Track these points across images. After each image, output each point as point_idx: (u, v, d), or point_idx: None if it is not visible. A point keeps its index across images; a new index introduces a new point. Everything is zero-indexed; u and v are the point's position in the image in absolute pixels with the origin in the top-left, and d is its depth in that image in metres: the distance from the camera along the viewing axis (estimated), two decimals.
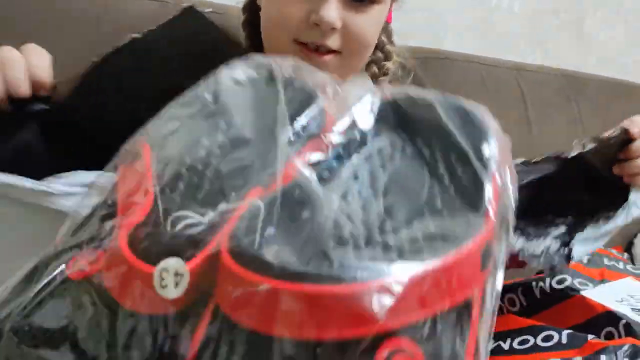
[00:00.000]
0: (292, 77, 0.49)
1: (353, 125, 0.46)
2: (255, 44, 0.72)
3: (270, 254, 0.31)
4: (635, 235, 1.02)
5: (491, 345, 0.57)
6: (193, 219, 0.34)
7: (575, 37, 1.36)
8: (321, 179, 0.42)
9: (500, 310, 0.72)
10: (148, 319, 0.33)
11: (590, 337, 0.59)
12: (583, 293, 0.67)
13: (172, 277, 0.31)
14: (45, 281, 0.36)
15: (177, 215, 0.34)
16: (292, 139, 0.44)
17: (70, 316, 0.34)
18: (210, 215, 0.35)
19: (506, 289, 0.73)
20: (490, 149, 0.43)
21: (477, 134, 0.45)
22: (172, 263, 0.32)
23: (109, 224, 0.38)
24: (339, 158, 0.44)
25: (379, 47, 0.72)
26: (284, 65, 0.49)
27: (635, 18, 1.41)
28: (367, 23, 0.64)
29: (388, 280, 0.31)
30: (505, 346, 0.63)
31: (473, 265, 0.36)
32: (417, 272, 0.32)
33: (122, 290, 0.33)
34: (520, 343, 0.63)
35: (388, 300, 0.31)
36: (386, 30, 0.73)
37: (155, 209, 0.36)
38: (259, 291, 0.30)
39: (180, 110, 0.48)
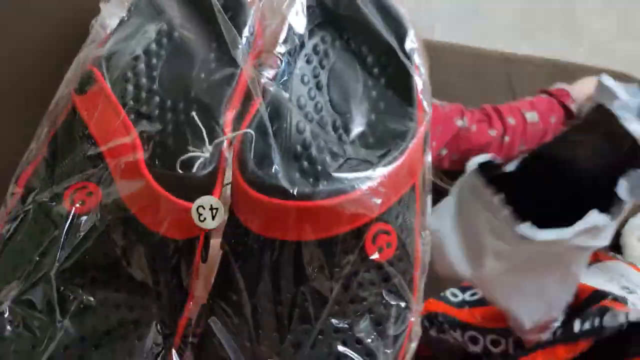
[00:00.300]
0: None
1: (291, 31, 0.50)
2: None
3: (284, 180, 0.38)
4: (622, 226, 1.02)
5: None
6: (201, 159, 0.39)
7: (566, 26, 1.32)
8: (282, 85, 0.47)
9: None
10: (186, 241, 0.40)
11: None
12: None
13: (208, 211, 0.38)
14: (66, 225, 0.40)
15: (187, 157, 0.39)
16: (244, 53, 0.48)
17: (109, 251, 0.40)
18: (210, 149, 0.41)
19: None
20: (412, 41, 0.51)
21: (397, 26, 0.52)
22: (206, 200, 0.38)
23: (99, 162, 0.41)
24: (288, 66, 0.50)
25: None
26: None
27: (626, 7, 1.37)
28: None
29: (375, 183, 0.40)
30: None
31: (419, 152, 0.46)
32: (392, 170, 0.42)
33: (158, 222, 0.38)
34: None
35: (377, 199, 0.40)
36: None
37: (157, 148, 0.41)
38: (285, 211, 0.38)
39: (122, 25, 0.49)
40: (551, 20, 1.33)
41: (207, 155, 0.40)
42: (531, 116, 0.93)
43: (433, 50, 1.02)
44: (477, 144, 0.90)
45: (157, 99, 0.45)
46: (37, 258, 0.39)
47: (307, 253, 0.39)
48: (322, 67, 0.51)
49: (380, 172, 0.41)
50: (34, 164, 0.45)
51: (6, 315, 0.38)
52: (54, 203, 0.41)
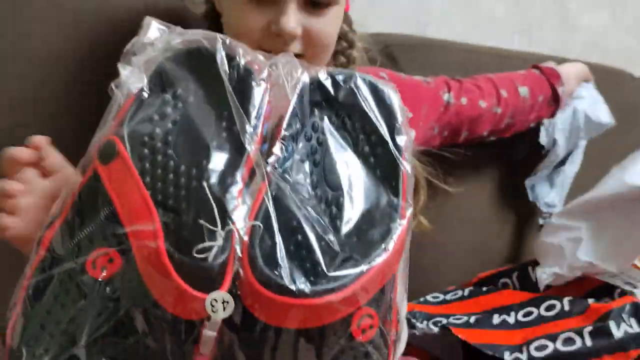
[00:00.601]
0: (234, 60, 0.55)
1: (294, 114, 0.55)
2: None
3: (288, 279, 0.45)
4: None
5: (497, 319, 0.70)
6: (215, 249, 0.45)
7: (559, 21, 1.31)
8: (284, 172, 0.53)
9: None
10: (198, 322, 0.46)
11: (590, 301, 0.67)
12: None
13: (220, 304, 0.44)
14: (93, 295, 0.45)
15: (202, 247, 0.45)
16: (252, 138, 0.53)
17: (130, 324, 0.45)
18: (222, 237, 0.46)
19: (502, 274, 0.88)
20: (402, 131, 0.56)
21: (389, 114, 0.58)
22: (219, 295, 0.44)
23: (123, 240, 0.47)
24: (291, 148, 0.55)
25: (342, 37, 0.75)
26: (215, 42, 0.53)
27: (620, 3, 1.36)
28: (326, 24, 0.68)
29: (364, 279, 0.47)
30: (511, 320, 0.71)
31: (402, 244, 0.53)
32: (378, 265, 0.48)
33: (176, 306, 0.45)
34: (525, 315, 0.70)
35: (365, 292, 0.47)
36: (346, 19, 0.76)
37: (175, 234, 0.46)
38: (287, 307, 0.44)
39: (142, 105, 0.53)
40: (545, 15, 1.32)
41: (220, 243, 0.45)
42: (523, 91, 0.95)
43: (427, 47, 1.03)
44: (468, 116, 0.91)
45: (172, 163, 0.49)
46: (65, 326, 0.45)
47: (303, 338, 0.46)
48: (320, 144, 0.56)
49: (368, 267, 0.48)
50: (56, 227, 0.50)
51: None
52: (79, 271, 0.46)
